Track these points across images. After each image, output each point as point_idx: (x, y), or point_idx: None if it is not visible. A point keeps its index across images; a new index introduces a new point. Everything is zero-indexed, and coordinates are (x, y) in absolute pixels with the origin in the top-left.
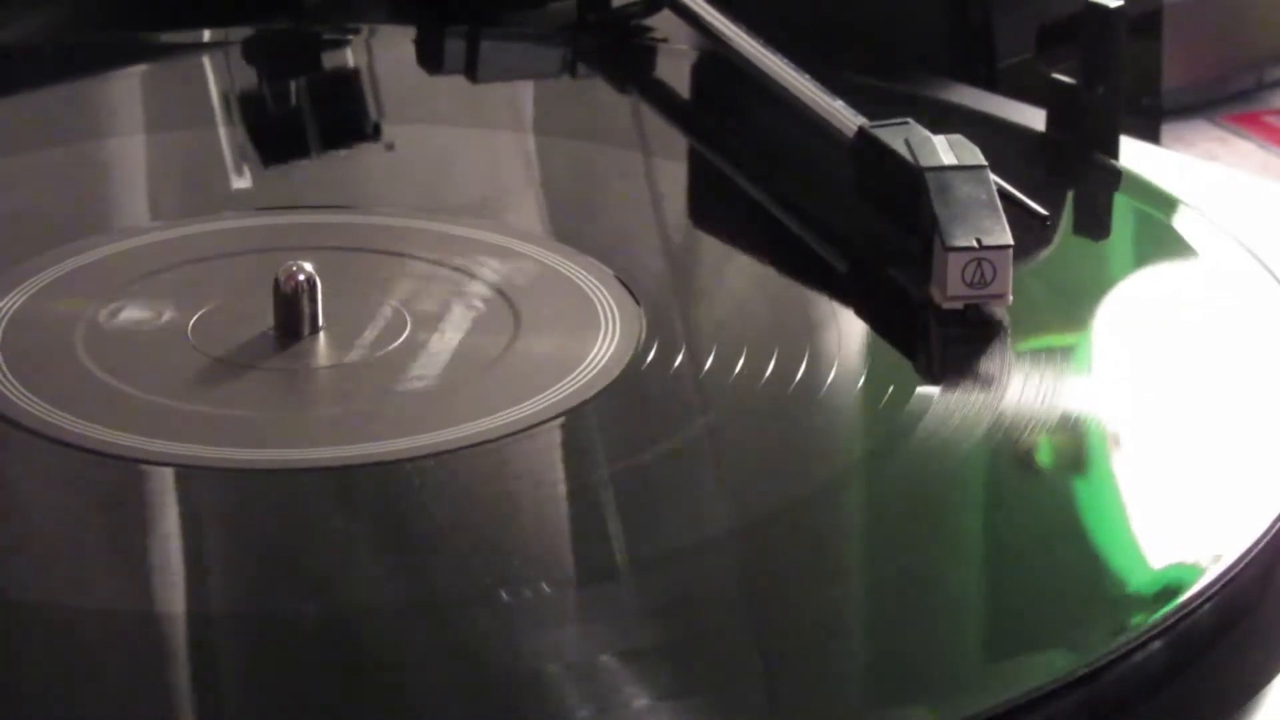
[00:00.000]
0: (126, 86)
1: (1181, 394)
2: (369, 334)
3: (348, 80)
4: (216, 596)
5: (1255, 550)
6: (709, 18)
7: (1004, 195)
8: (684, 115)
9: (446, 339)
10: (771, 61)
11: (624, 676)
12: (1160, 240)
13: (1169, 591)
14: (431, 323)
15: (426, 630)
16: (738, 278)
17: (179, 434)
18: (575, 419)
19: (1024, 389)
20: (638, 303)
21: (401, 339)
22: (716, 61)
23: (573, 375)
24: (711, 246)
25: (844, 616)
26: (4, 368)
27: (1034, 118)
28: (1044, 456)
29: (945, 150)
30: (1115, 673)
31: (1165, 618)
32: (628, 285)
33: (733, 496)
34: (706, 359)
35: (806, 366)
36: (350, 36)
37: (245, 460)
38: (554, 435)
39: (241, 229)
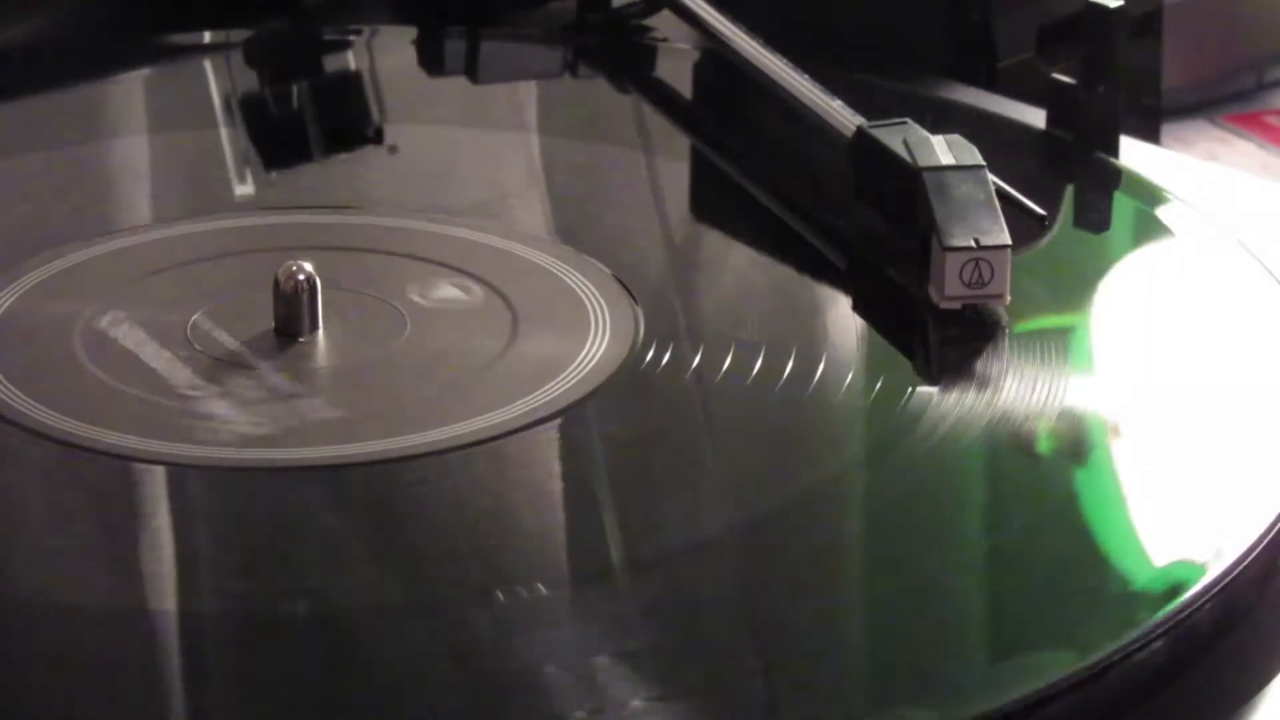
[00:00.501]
0: (128, 88)
1: (1181, 394)
2: (368, 334)
3: (348, 81)
4: (214, 595)
5: (1255, 550)
6: (709, 18)
7: (1002, 195)
8: (684, 115)
9: (445, 339)
10: (771, 62)
11: (620, 677)
12: (1159, 240)
13: (1169, 591)
14: (430, 322)
15: (421, 630)
16: (737, 277)
17: (178, 434)
18: (573, 419)
19: (1022, 388)
20: (636, 302)
21: (400, 339)
22: (717, 61)
23: (571, 375)
24: (711, 246)
25: (843, 616)
26: (2, 368)
27: (1034, 117)
28: (1043, 456)
29: (943, 150)
30: (1116, 673)
31: (1165, 618)
32: (626, 285)
33: (729, 496)
34: (704, 358)
35: (805, 366)
36: (351, 37)
37: (244, 460)
38: (551, 435)
39: (242, 229)
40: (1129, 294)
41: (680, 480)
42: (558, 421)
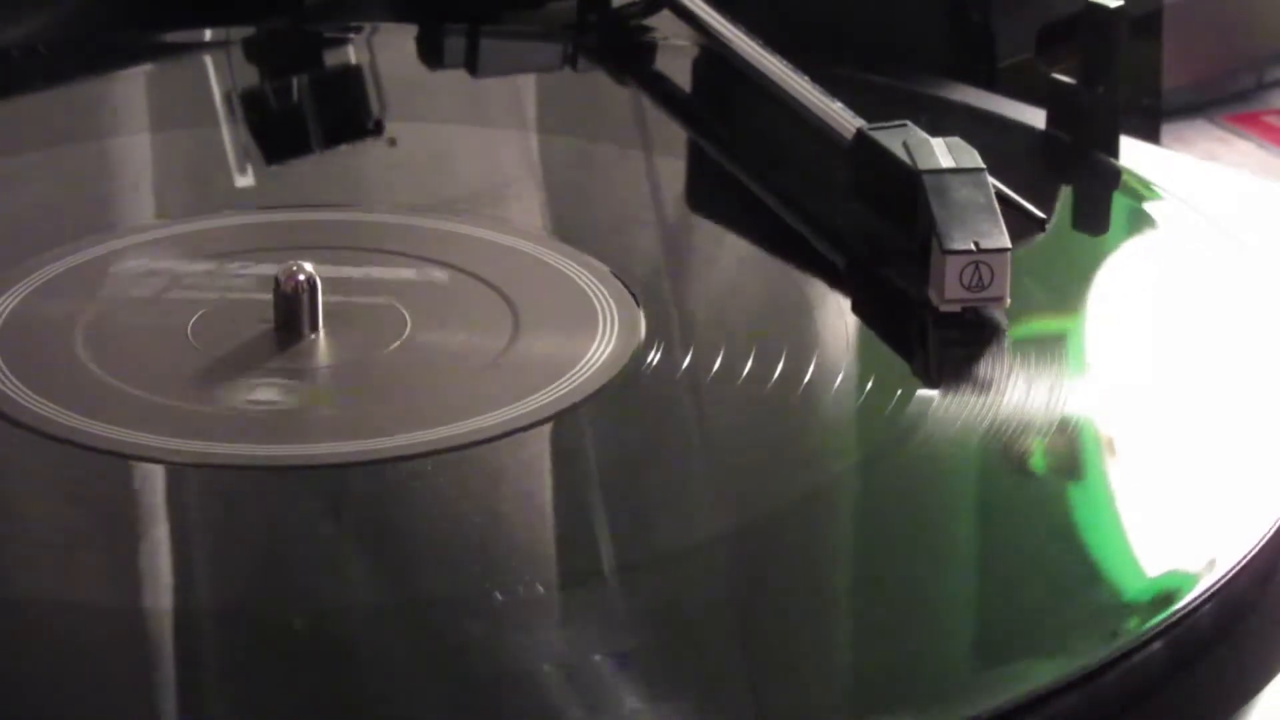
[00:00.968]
0: (128, 86)
1: (1181, 395)
2: (368, 334)
3: (349, 79)
4: (214, 594)
5: (1254, 551)
6: (708, 18)
7: (1002, 198)
8: (685, 113)
9: (445, 338)
10: (770, 63)
11: (617, 677)
12: (1159, 241)
13: (1168, 593)
14: (431, 321)
15: (420, 629)
16: (736, 277)
17: (178, 433)
18: (573, 418)
19: (1021, 391)
20: (636, 302)
21: (401, 338)
22: (717, 59)
23: (571, 374)
24: (710, 245)
25: (839, 620)
26: (4, 366)
27: (1034, 117)
28: (1041, 458)
29: (943, 153)
30: (1115, 674)
31: (1165, 619)
32: (626, 284)
33: (728, 498)
34: (703, 358)
35: (804, 368)
36: (351, 35)
37: (244, 459)
38: (551, 434)
39: (242, 228)
40: (1128, 295)
41: (677, 481)
42: (558, 422)
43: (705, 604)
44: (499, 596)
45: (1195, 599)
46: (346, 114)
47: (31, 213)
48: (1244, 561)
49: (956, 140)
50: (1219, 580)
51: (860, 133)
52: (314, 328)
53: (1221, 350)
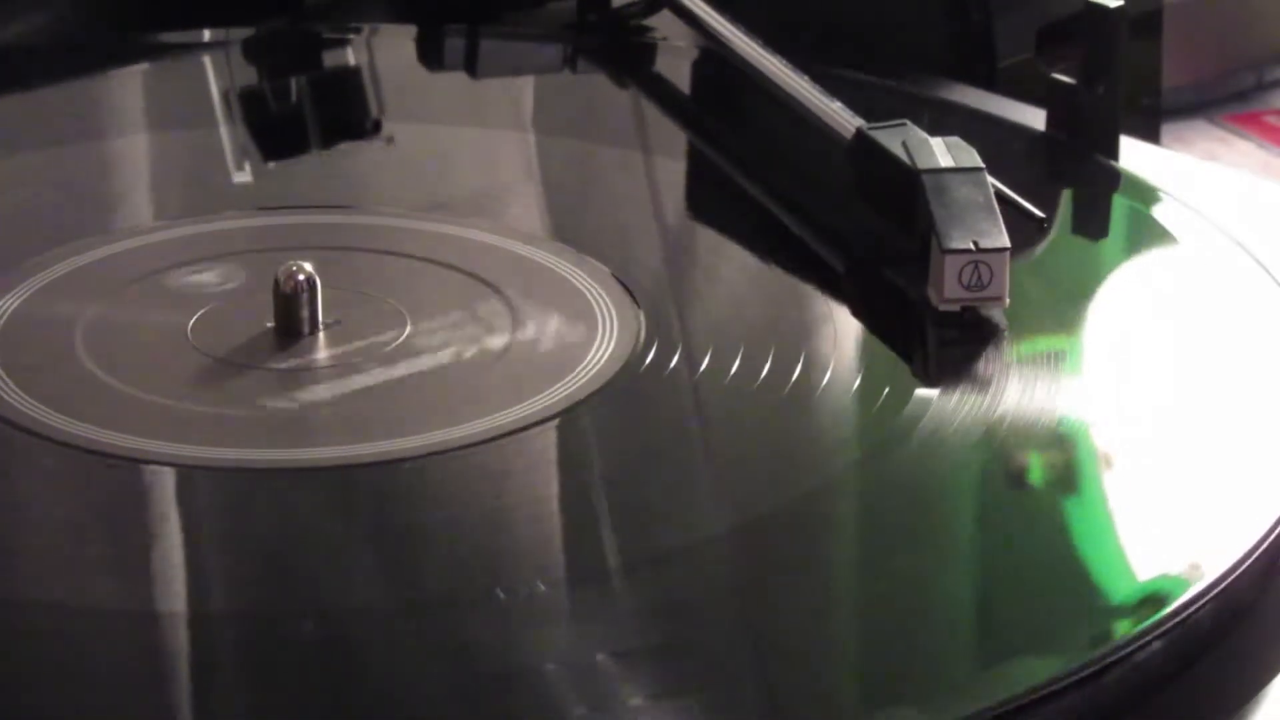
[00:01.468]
0: (127, 86)
1: (1180, 395)
2: (368, 333)
3: (348, 79)
4: (214, 596)
5: (1255, 551)
6: (708, 18)
7: (1001, 197)
8: (684, 114)
9: (445, 338)
10: (770, 63)
11: (620, 676)
12: (1159, 241)
13: (1169, 592)
14: (430, 322)
15: (423, 629)
16: (736, 278)
17: (178, 434)
18: (572, 419)
19: (1021, 391)
20: (636, 302)
21: (401, 338)
22: (717, 60)
23: (571, 375)
24: (710, 246)
25: (840, 618)
26: (3, 367)
27: (1034, 118)
28: (1041, 458)
29: (942, 152)
30: (1115, 673)
31: (1165, 618)
32: (626, 284)
33: (728, 497)
34: (704, 359)
35: (803, 367)
36: (350, 36)
37: (245, 460)
38: (551, 435)
39: (242, 228)
40: (1128, 295)
41: (678, 481)
42: (558, 421)
43: (706, 603)
44: (501, 596)
45: (1195, 599)
46: (346, 115)
47: (31, 213)
48: (1244, 561)
49: (956, 140)
50: (1219, 580)
51: (859, 132)
52: (314, 328)
53: (1221, 350)
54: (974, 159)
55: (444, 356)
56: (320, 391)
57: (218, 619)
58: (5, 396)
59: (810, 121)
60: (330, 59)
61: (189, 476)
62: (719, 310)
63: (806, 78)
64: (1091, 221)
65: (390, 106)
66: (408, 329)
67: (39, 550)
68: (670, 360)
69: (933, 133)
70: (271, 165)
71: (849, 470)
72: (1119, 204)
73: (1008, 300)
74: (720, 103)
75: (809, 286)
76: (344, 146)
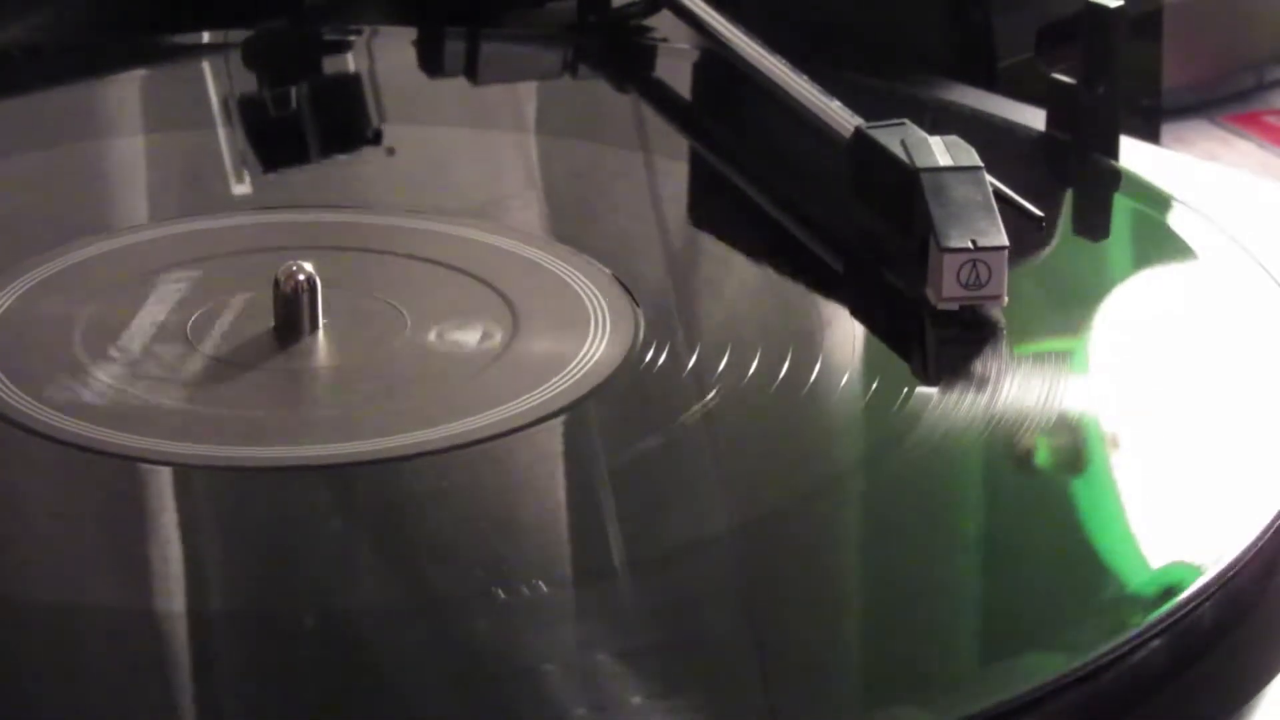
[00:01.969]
0: (127, 88)
1: (1180, 394)
2: (368, 334)
3: (348, 81)
4: (214, 595)
5: (1255, 550)
6: (708, 18)
7: (1000, 197)
8: (683, 115)
9: (445, 338)
10: (769, 63)
11: (620, 676)
12: (1159, 241)
13: (1169, 591)
14: (430, 322)
15: (422, 629)
16: (735, 278)
17: (178, 434)
18: (572, 418)
19: (1020, 390)
20: (635, 303)
21: (400, 339)
22: (716, 61)
23: (570, 374)
24: (709, 246)
25: (841, 617)
26: (1, 366)
27: (1034, 118)
28: (1041, 456)
29: (941, 151)
30: (1115, 672)
31: (1165, 617)
32: (625, 285)
33: (727, 496)
34: (703, 359)
35: (802, 367)
36: (350, 38)
37: (245, 459)
38: (551, 434)
39: (241, 229)
40: (1128, 295)
41: (678, 480)
42: (557, 420)
43: (706, 603)
44: (501, 595)
45: (1196, 597)
46: (345, 118)
47: (30, 213)
48: (1245, 559)
49: (954, 139)
50: (1220, 578)
51: (858, 131)
52: (314, 328)
53: (1222, 349)
54: (973, 158)
55: (443, 356)
56: (320, 391)
57: (217, 619)
58: (4, 395)
59: (809, 121)
60: (330, 61)
61: (188, 476)
62: (718, 310)
63: (806, 78)
64: (1091, 220)
65: (390, 108)
66: (407, 329)
67: (39, 549)
68: (669, 360)
69: (932, 132)
70: (271, 166)
71: (847, 469)
72: (1119, 203)
73: (1006, 299)
74: (720, 103)
75: (808, 286)
76: (344, 148)
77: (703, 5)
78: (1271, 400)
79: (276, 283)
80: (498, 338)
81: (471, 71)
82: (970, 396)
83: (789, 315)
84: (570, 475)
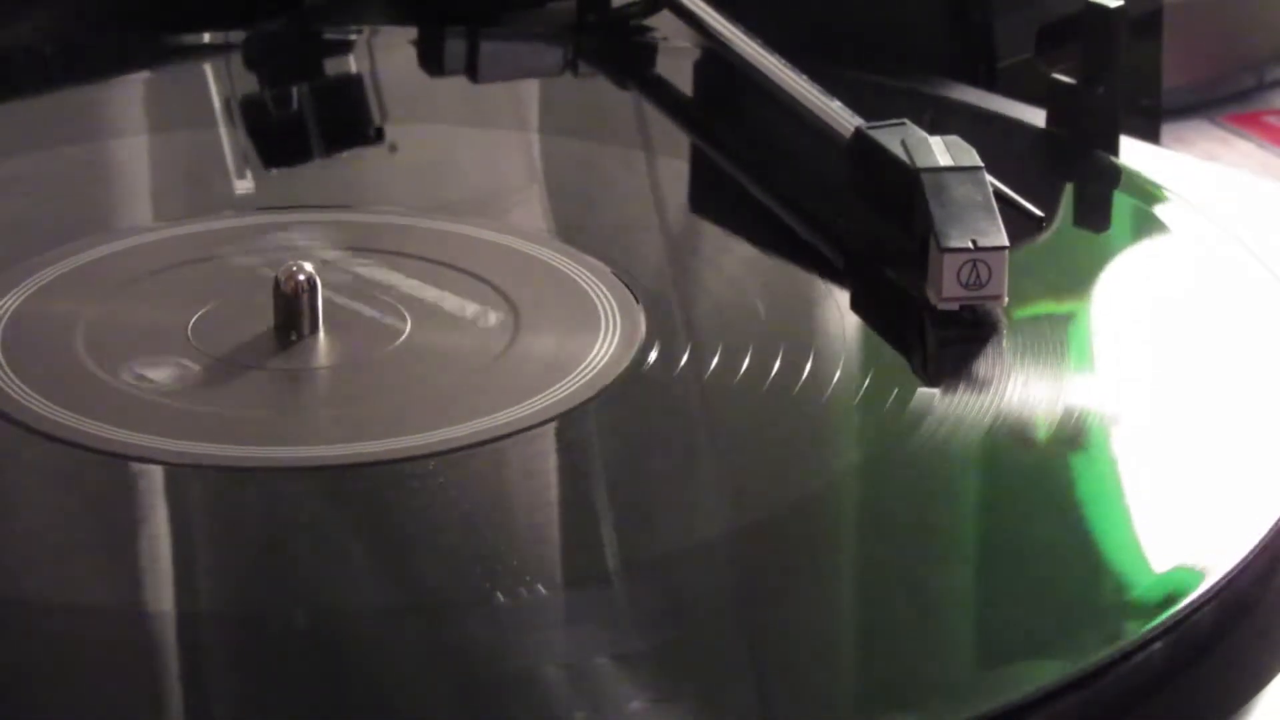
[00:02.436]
0: (128, 88)
1: (1181, 394)
2: (369, 333)
3: (348, 81)
4: (213, 595)
5: (1255, 551)
6: (708, 18)
7: (1000, 196)
8: (685, 114)
9: (446, 338)
10: (770, 62)
11: (619, 679)
12: (1159, 240)
13: (1169, 594)
14: (431, 322)
15: (421, 631)
16: (736, 277)
17: (178, 433)
18: (574, 420)
19: (1020, 390)
20: (638, 302)
21: (401, 339)
22: (717, 60)
23: (572, 375)
24: (710, 245)
25: (841, 620)
26: (4, 366)
27: (1034, 117)
28: (1041, 457)
29: (941, 151)
30: (1115, 674)
31: (1165, 620)
32: (628, 284)
33: (727, 498)
34: (704, 359)
35: (802, 367)
36: (351, 37)
37: (245, 460)
38: (552, 435)
39: (242, 229)
40: (1128, 294)
41: (678, 482)
42: (558, 422)
43: (706, 605)
44: (500, 597)
45: (1196, 599)
46: (346, 117)
47: (32, 213)
48: (1245, 562)
49: (955, 139)
50: (1220, 581)
51: (858, 131)
52: (314, 328)
53: (1222, 350)
54: (973, 158)
55: (444, 356)
56: (320, 391)
57: (213, 619)
58: (7, 393)
59: (809, 121)
60: (331, 61)
61: (189, 475)
62: (719, 310)
63: (806, 77)
64: (1092, 219)
65: (391, 107)
66: (408, 329)
67: (39, 548)
68: (670, 360)
69: (933, 133)
70: (272, 166)
71: (848, 470)
72: (1119, 202)
73: (1006, 299)
74: (720, 102)
75: (809, 286)
76: (345, 147)
77: (702, 5)
78: (1272, 400)
79: (276, 283)
80: (499, 338)
81: (472, 70)
82: (970, 397)
83: (789, 315)
84: (571, 477)
